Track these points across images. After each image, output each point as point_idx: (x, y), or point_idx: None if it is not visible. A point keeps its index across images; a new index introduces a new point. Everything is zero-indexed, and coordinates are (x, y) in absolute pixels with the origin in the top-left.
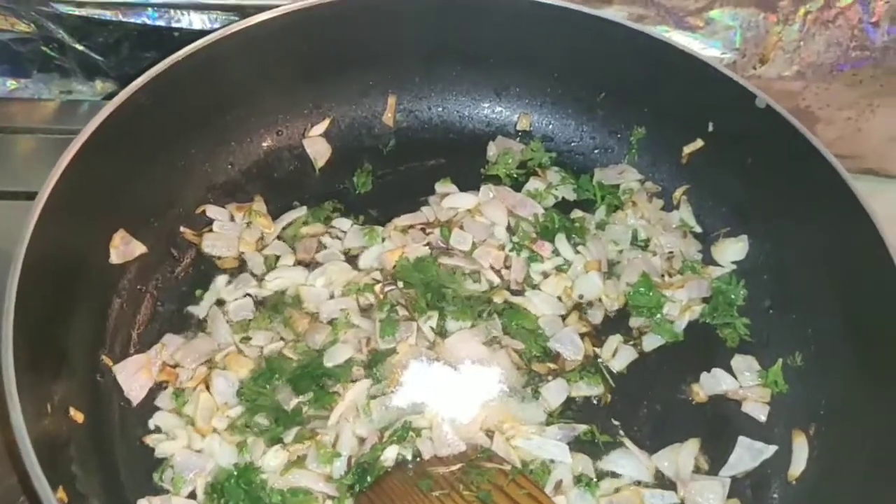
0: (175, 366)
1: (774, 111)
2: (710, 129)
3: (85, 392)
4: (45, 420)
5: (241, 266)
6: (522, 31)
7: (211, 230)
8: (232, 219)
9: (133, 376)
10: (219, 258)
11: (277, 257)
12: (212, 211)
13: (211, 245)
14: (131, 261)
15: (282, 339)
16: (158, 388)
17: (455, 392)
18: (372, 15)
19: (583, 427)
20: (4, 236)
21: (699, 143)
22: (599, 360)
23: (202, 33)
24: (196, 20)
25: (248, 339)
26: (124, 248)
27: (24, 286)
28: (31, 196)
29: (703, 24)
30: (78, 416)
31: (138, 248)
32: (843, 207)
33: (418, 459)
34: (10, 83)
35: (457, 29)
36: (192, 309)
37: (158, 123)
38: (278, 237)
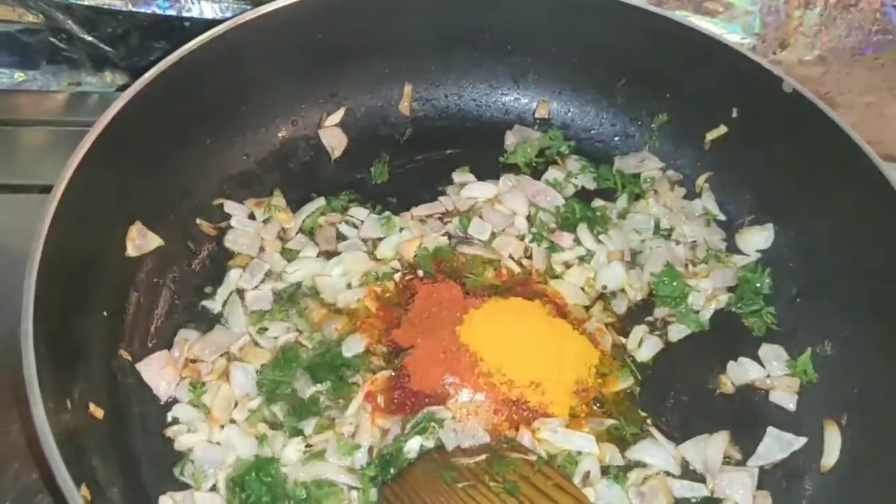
0: (194, 360)
1: (802, 96)
2: (735, 114)
3: (104, 387)
4: (65, 416)
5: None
6: (540, 17)
7: (230, 225)
8: (251, 216)
9: (159, 373)
10: (238, 253)
11: (298, 251)
12: (230, 207)
13: (233, 241)
14: (148, 254)
15: (297, 329)
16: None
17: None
18: (388, 2)
19: (611, 421)
20: (14, 230)
21: (723, 129)
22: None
23: (213, 23)
24: (207, 9)
25: (265, 329)
26: (140, 240)
27: (41, 282)
28: (40, 189)
29: (722, 8)
30: (98, 412)
31: (154, 241)
32: (872, 192)
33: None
34: (19, 75)
35: (474, 16)
36: (207, 303)
37: (172, 115)
38: (299, 230)
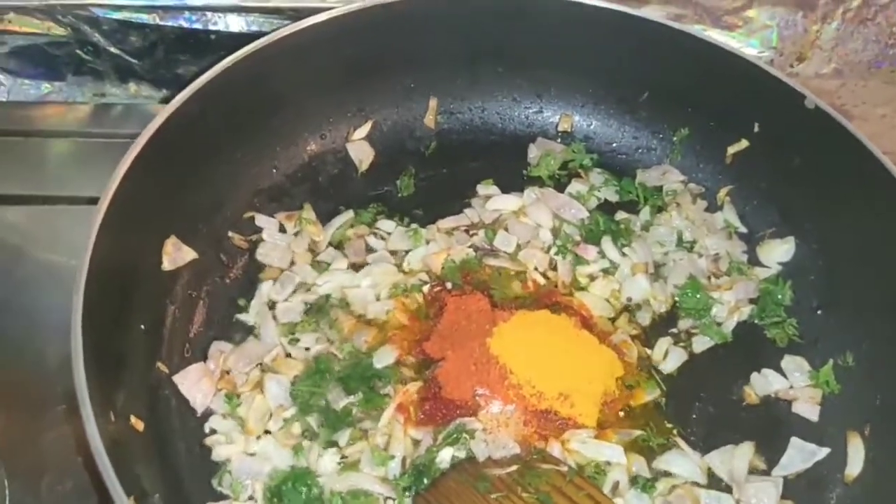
0: (229, 372)
1: (824, 112)
2: (756, 129)
3: (143, 400)
4: (110, 428)
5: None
6: (562, 31)
7: (261, 238)
8: (282, 228)
9: (196, 385)
10: (269, 267)
11: (328, 263)
12: (261, 220)
13: (264, 255)
14: (182, 267)
15: (328, 340)
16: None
17: None
18: (414, 18)
19: (638, 432)
20: (41, 240)
21: (744, 143)
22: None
23: (239, 36)
24: (233, 23)
25: (297, 340)
26: (176, 254)
27: (88, 296)
28: (67, 200)
29: (741, 22)
30: (138, 425)
31: (189, 254)
32: (892, 205)
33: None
34: (45, 87)
35: (497, 31)
36: (242, 316)
37: (207, 129)
38: (328, 243)
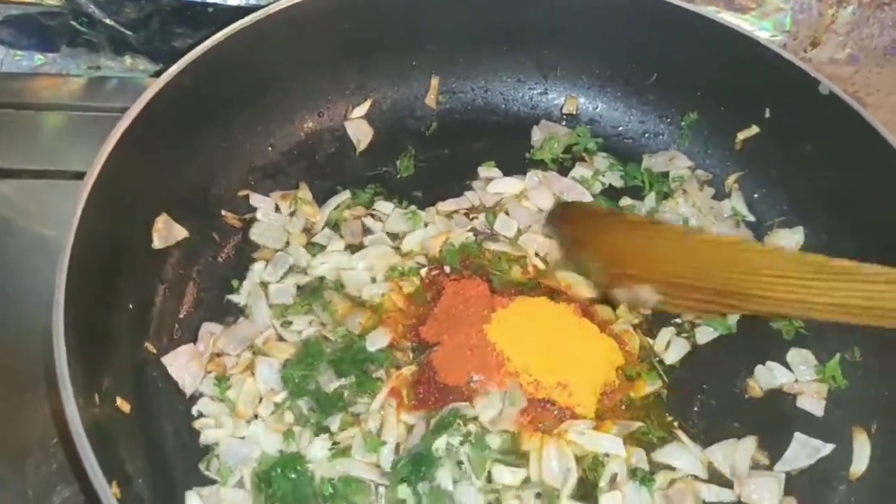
0: (220, 354)
1: (838, 98)
2: (767, 114)
3: (130, 381)
4: (94, 410)
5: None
6: (569, 10)
7: (255, 217)
8: (277, 208)
9: (185, 367)
10: (262, 247)
11: (324, 245)
12: (256, 199)
13: (258, 234)
14: (173, 246)
15: (321, 323)
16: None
17: None
18: None
19: (638, 424)
20: (34, 214)
21: (754, 129)
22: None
23: (236, 9)
24: None
25: (289, 323)
26: (166, 232)
27: (72, 274)
28: (60, 175)
29: (754, 5)
30: (124, 406)
31: (180, 233)
32: None
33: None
34: (38, 58)
35: (503, 9)
36: (233, 297)
37: (200, 104)
38: (324, 224)
